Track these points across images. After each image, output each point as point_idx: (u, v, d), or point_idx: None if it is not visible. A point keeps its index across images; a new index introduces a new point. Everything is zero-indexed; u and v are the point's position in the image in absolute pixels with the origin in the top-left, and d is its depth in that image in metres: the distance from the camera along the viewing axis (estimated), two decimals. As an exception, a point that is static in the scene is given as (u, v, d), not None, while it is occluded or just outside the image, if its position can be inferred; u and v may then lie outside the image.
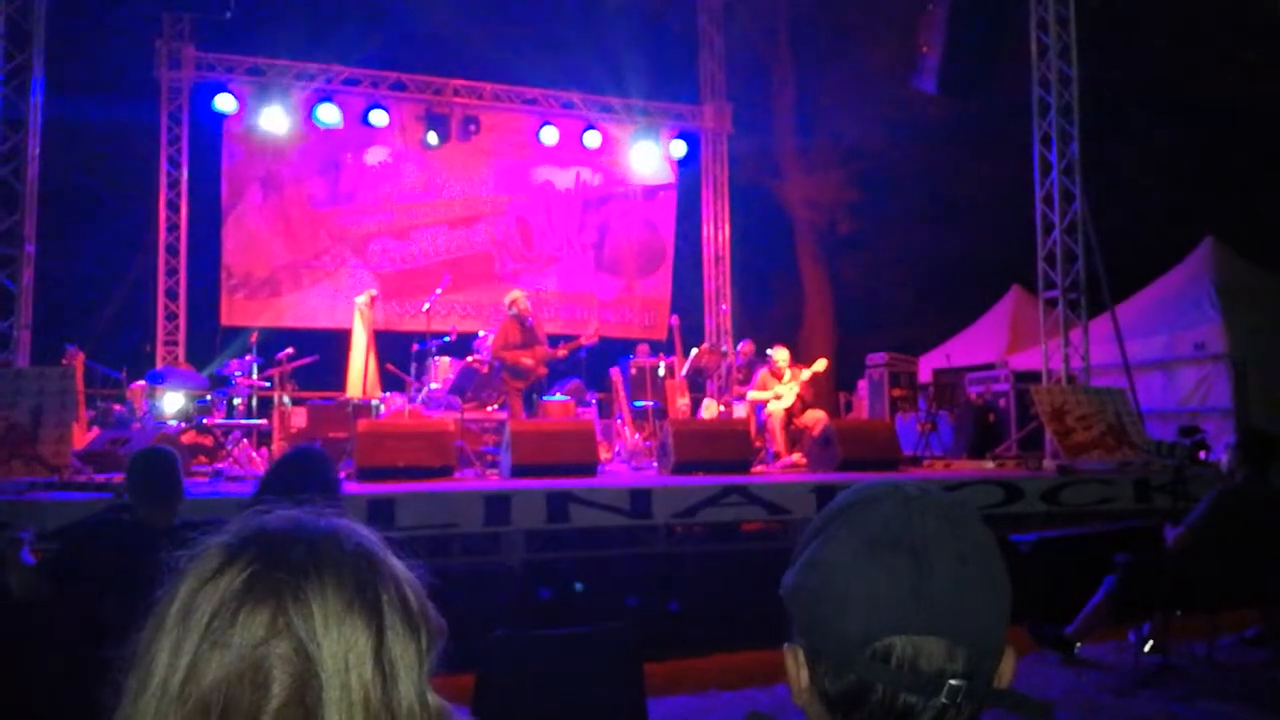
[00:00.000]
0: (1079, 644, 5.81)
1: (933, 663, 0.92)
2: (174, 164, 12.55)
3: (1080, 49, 10.29)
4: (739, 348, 11.44)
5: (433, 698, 0.90)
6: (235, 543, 0.88)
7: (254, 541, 0.88)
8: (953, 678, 0.92)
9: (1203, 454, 7.13)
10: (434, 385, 10.21)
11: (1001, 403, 11.05)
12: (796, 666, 1.01)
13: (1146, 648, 5.71)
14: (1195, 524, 5.28)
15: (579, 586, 6.46)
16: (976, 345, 14.05)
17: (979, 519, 1.00)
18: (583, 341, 9.68)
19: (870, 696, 0.93)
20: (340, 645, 0.83)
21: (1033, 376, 10.75)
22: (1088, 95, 10.40)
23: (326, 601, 0.84)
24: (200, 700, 0.81)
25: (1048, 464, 9.18)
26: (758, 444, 9.72)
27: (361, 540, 0.92)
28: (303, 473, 2.93)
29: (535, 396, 9.58)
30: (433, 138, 13.18)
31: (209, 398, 9.66)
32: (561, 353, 9.53)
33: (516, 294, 9.61)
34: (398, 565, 0.93)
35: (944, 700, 0.92)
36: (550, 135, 13.72)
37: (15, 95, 7.94)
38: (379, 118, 12.93)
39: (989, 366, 12.19)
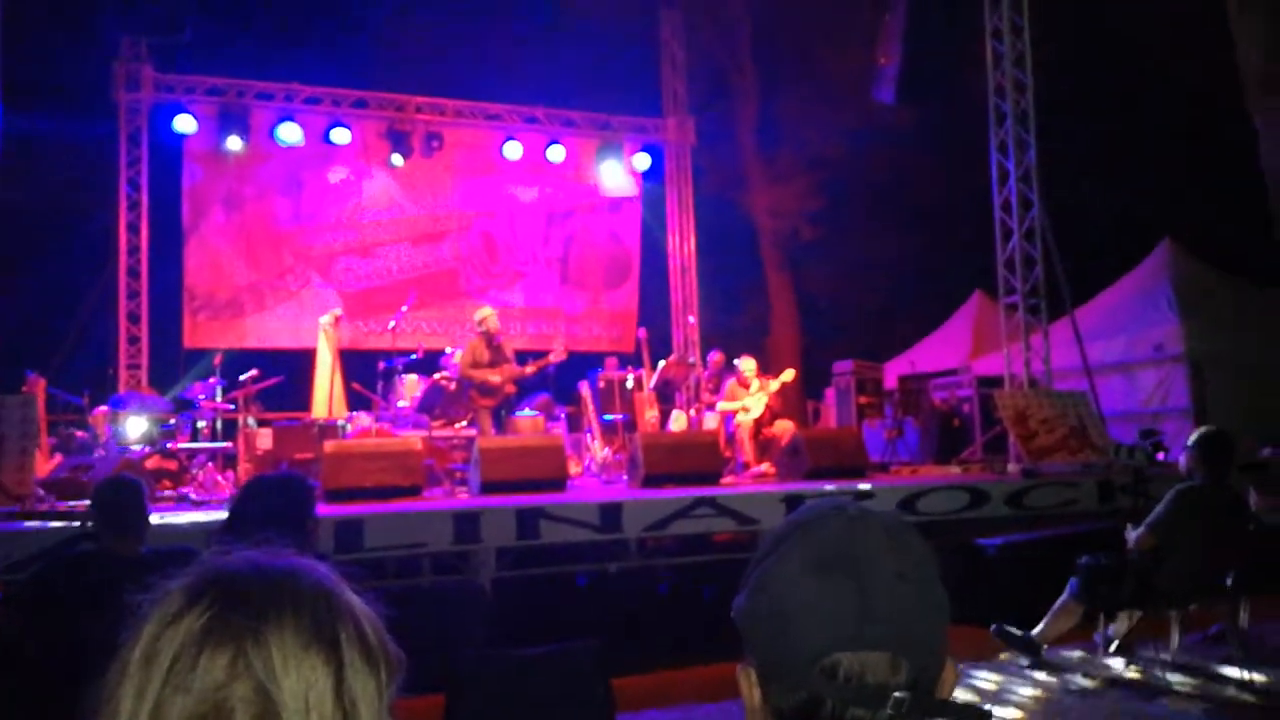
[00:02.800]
0: (1045, 646, 5.89)
1: (877, 676, 0.97)
2: (134, 185, 12.45)
3: (1034, 51, 10.45)
4: (709, 358, 11.48)
5: None
6: (195, 586, 0.89)
7: (213, 584, 0.89)
8: (897, 690, 0.96)
9: (1160, 455, 7.26)
10: (401, 403, 10.17)
11: (965, 408, 11.19)
12: (749, 686, 1.05)
13: (1111, 648, 5.80)
14: (1155, 524, 5.37)
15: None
16: (941, 351, 14.20)
17: (918, 535, 1.05)
18: (551, 359, 9.70)
19: (821, 711, 0.97)
20: (300, 685, 0.85)
21: (996, 381, 10.88)
22: (1043, 97, 10.56)
23: (285, 642, 0.86)
24: None
25: (1012, 467, 9.30)
26: (727, 454, 9.77)
27: (319, 578, 0.93)
28: (276, 501, 2.93)
29: (504, 413, 9.57)
30: (397, 159, 13.17)
31: (173, 421, 9.57)
32: (529, 370, 9.54)
33: (487, 312, 9.60)
34: (355, 601, 0.95)
35: (889, 712, 0.96)
36: (514, 150, 13.74)
37: (-30, 121, 7.85)
38: (341, 135, 12.88)
39: (953, 372, 12.34)
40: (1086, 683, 5.55)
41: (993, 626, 5.89)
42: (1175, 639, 5.86)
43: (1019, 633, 5.85)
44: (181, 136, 12.48)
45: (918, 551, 1.03)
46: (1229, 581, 5.32)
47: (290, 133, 12.67)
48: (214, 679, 0.83)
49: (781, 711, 1.00)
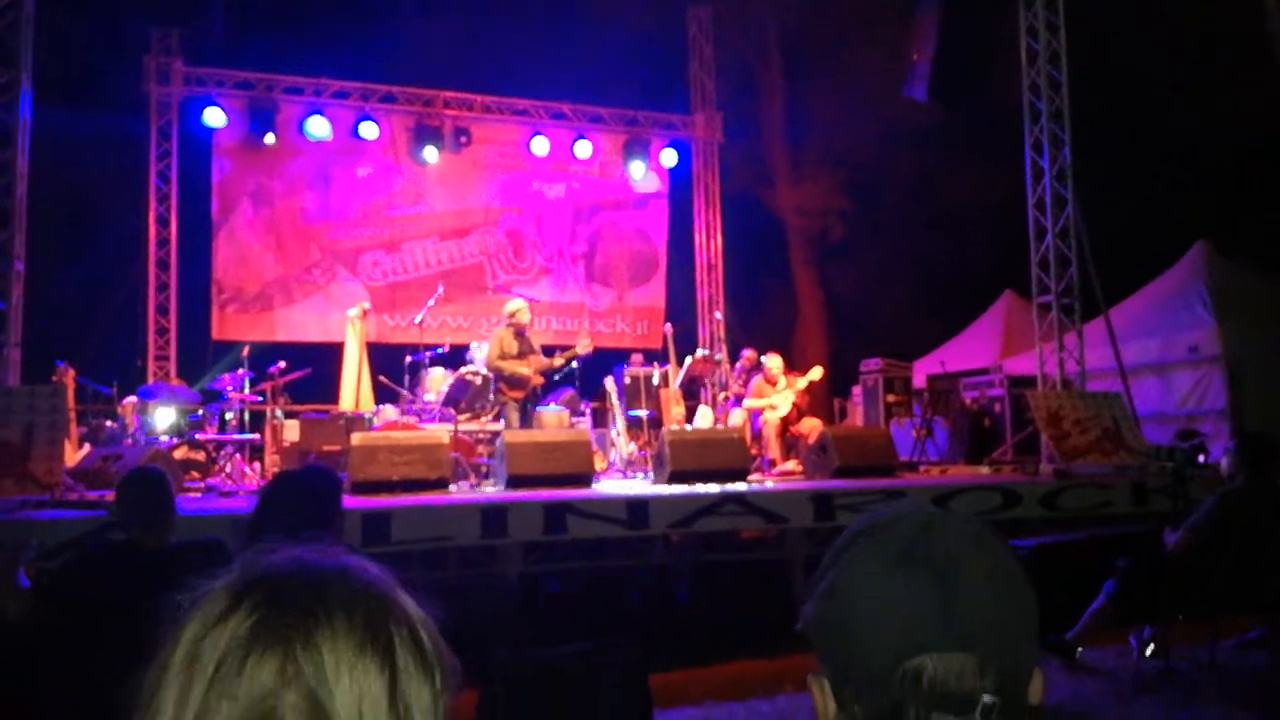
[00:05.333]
0: (1080, 649, 5.78)
1: (965, 681, 0.91)
2: (163, 178, 12.53)
3: (1070, 53, 10.32)
4: (742, 353, 11.40)
5: None
6: (240, 586, 0.84)
7: (260, 584, 0.84)
8: (985, 695, 0.90)
9: (1201, 457, 7.12)
10: (428, 397, 10.16)
11: (997, 408, 11.05)
12: (822, 697, 0.99)
13: (1148, 652, 5.69)
14: (1196, 527, 5.26)
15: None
16: (971, 350, 14.06)
17: (1001, 538, 0.99)
18: (578, 351, 9.62)
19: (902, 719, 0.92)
20: (353, 692, 0.79)
21: (1027, 381, 10.75)
22: (1078, 98, 10.42)
23: (337, 646, 0.80)
24: None
25: (1044, 469, 9.17)
26: (754, 452, 9.69)
27: (372, 579, 0.88)
28: (304, 495, 2.89)
29: (529, 407, 9.53)
30: (431, 154, 13.13)
31: (201, 412, 9.60)
32: (558, 363, 9.48)
33: (520, 305, 9.50)
34: (409, 603, 0.89)
35: (978, 718, 0.90)
36: (541, 146, 13.71)
37: (3, 112, 7.89)
38: (369, 130, 12.90)
39: (983, 371, 12.19)
40: (1122, 687, 5.44)
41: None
42: (1213, 644, 5.75)
43: (1054, 635, 5.75)
44: (211, 130, 12.55)
45: (1002, 553, 0.97)
46: (1270, 588, 5.21)
47: (319, 127, 12.70)
48: (262, 685, 0.78)
49: None
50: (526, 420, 9.32)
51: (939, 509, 1.02)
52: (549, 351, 9.85)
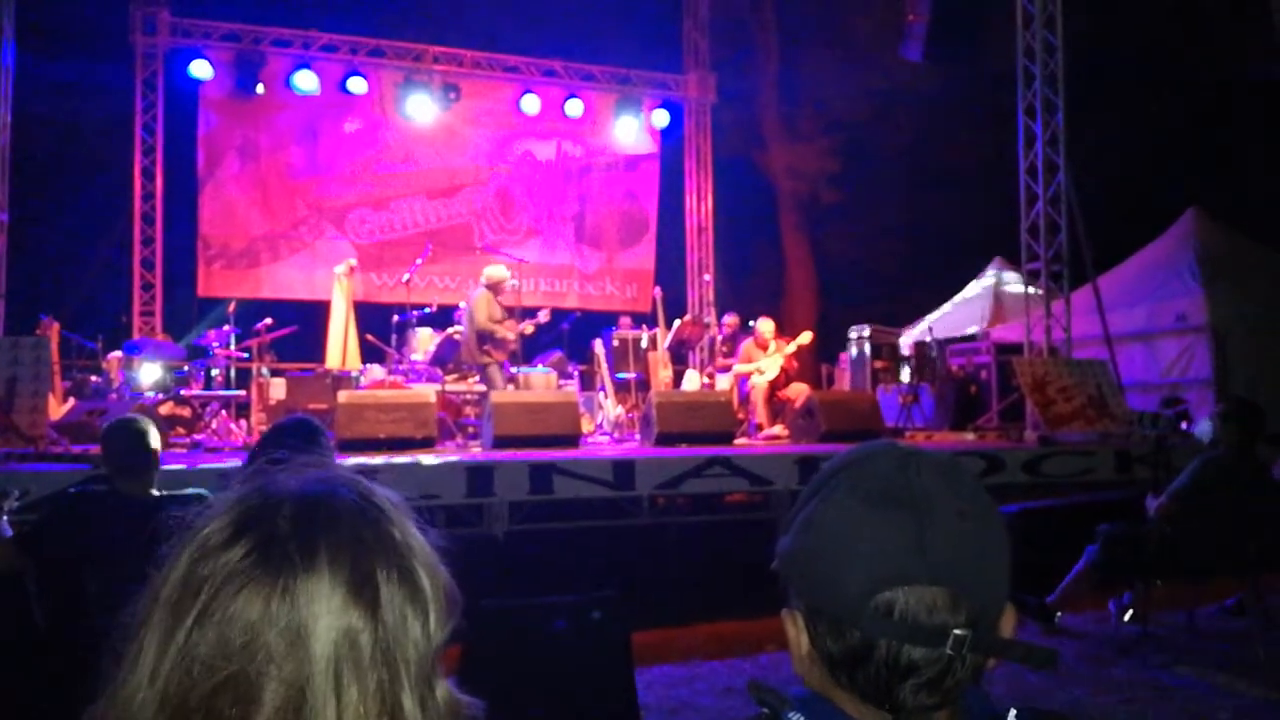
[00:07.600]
0: (1059, 613, 5.85)
1: (936, 615, 0.92)
2: (149, 131, 12.37)
3: (1065, 18, 10.24)
4: (724, 320, 11.37)
5: (442, 688, 0.85)
6: (236, 516, 0.83)
7: (255, 516, 0.82)
8: (957, 628, 0.91)
9: (1185, 425, 7.17)
10: (415, 356, 10.14)
11: (983, 374, 11.07)
12: (796, 631, 1.00)
13: (1126, 617, 5.76)
14: (1178, 492, 5.29)
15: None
16: (960, 317, 14.07)
17: (974, 476, 1.00)
18: (540, 319, 9.64)
19: (874, 653, 0.93)
20: (337, 629, 0.78)
21: (1014, 348, 10.77)
22: (1072, 65, 10.36)
23: (323, 588, 0.79)
24: (194, 688, 0.76)
25: (1029, 435, 9.22)
26: (741, 416, 9.71)
27: (370, 513, 0.86)
28: (296, 440, 2.88)
29: (510, 369, 9.53)
30: (420, 110, 12.92)
31: (186, 369, 9.54)
32: (528, 330, 9.51)
33: (506, 273, 9.47)
34: (410, 535, 0.87)
35: (949, 651, 0.91)
36: (531, 104, 13.56)
37: (-15, 59, 7.77)
38: (357, 85, 12.73)
39: (971, 338, 12.21)
40: (1100, 651, 5.51)
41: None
42: (1191, 609, 5.82)
43: (1033, 599, 5.80)
44: (197, 82, 12.36)
45: (975, 491, 0.98)
46: (1250, 553, 5.26)
47: (306, 81, 12.52)
48: (247, 619, 0.77)
49: (831, 656, 0.96)
50: (507, 381, 9.34)
51: (916, 446, 1.02)
52: (532, 313, 9.87)
